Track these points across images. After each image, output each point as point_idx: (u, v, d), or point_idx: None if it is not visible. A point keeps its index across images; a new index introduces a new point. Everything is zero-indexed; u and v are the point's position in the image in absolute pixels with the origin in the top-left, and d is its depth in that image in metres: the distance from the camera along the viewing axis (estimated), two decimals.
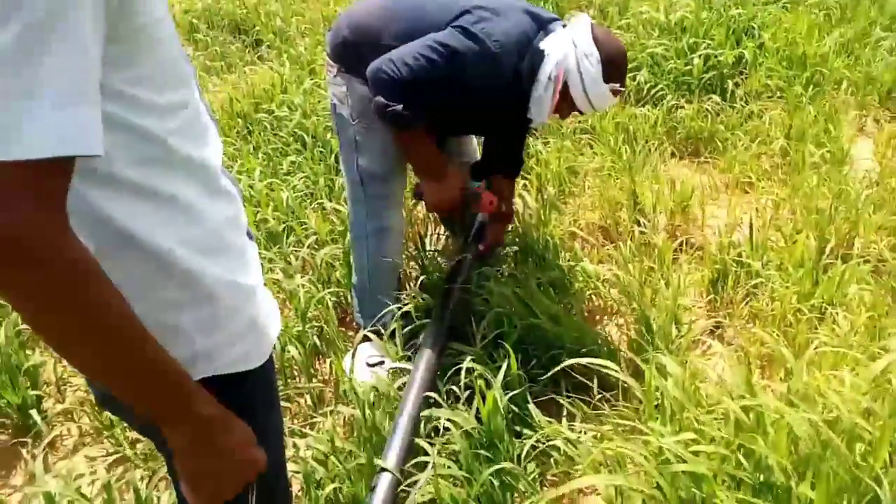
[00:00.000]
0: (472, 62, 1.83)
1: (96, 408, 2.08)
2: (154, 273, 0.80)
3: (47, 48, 0.60)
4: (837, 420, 1.43)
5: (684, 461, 1.38)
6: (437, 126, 2.06)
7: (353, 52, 1.96)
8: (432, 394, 1.76)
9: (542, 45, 1.90)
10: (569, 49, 1.87)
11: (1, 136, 0.59)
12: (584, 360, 1.70)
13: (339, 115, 2.03)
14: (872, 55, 3.75)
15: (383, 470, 1.51)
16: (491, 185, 2.25)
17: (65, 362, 2.29)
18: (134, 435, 1.98)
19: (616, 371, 1.64)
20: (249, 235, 0.96)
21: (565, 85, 1.90)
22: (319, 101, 3.56)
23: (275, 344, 1.00)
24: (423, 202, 2.15)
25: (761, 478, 1.39)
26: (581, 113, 2.03)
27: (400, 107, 1.85)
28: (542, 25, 1.93)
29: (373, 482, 1.50)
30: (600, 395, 1.82)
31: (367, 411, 1.74)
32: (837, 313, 2.05)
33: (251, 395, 0.94)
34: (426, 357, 1.83)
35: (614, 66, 1.91)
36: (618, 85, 1.93)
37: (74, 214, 0.67)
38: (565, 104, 1.96)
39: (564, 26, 1.96)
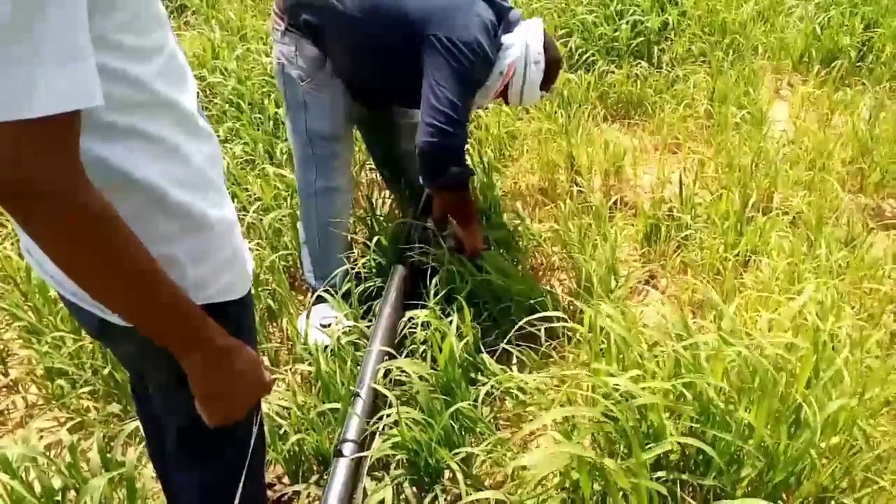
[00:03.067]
0: (479, 73, 1.95)
1: (41, 378, 2.05)
2: (147, 208, 0.84)
3: (41, 14, 0.64)
4: (763, 354, 1.57)
5: (633, 396, 1.49)
6: (393, 98, 2.15)
7: (303, 19, 1.96)
8: (390, 349, 1.82)
9: (505, 39, 1.98)
10: (522, 50, 1.97)
11: (14, 98, 0.64)
12: (535, 317, 1.80)
13: (286, 76, 2.02)
14: (785, 22, 3.97)
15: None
16: None
17: (5, 335, 2.23)
18: (85, 403, 1.96)
19: (564, 320, 1.74)
20: None
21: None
22: (253, 68, 3.50)
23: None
24: (462, 249, 2.18)
25: (700, 407, 1.52)
26: (507, 103, 2.16)
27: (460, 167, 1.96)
28: (500, 14, 1.99)
29: (341, 433, 1.56)
30: (547, 343, 1.92)
31: (324, 366, 1.78)
32: (760, 261, 2.21)
33: (238, 325, 0.99)
34: (385, 314, 1.89)
35: (552, 75, 2.09)
36: (547, 92, 2.12)
37: None
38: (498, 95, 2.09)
39: (519, 18, 2.04)
